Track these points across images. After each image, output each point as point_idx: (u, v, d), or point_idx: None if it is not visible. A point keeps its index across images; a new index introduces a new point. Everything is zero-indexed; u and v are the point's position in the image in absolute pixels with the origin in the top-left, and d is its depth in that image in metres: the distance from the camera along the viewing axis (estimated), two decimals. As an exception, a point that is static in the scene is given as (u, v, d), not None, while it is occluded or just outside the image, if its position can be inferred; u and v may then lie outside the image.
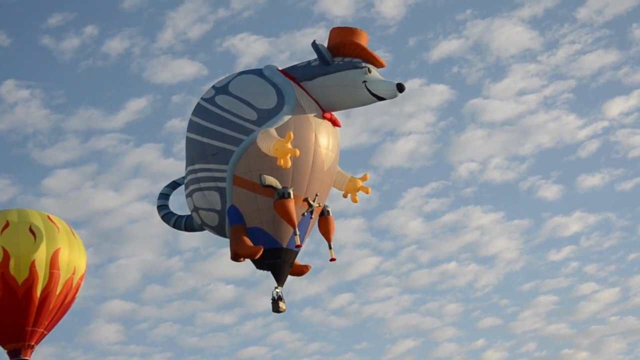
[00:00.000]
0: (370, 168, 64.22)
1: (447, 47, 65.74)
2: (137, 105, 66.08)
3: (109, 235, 63.34)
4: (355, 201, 28.69)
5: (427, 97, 64.80)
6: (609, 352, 60.19)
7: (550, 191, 63.79)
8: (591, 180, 64.13)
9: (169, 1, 69.72)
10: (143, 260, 62.91)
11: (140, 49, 67.49)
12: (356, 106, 27.94)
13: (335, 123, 28.07)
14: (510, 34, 64.86)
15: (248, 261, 27.36)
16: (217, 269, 63.18)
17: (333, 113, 28.00)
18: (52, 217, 35.92)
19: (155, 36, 68.43)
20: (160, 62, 66.36)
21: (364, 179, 28.73)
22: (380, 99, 27.29)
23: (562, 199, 64.22)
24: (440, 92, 64.73)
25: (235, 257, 27.10)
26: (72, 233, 36.12)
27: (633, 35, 65.64)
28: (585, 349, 60.63)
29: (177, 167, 62.96)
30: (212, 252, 63.36)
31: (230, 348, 61.91)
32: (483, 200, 64.56)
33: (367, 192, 28.65)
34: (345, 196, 28.78)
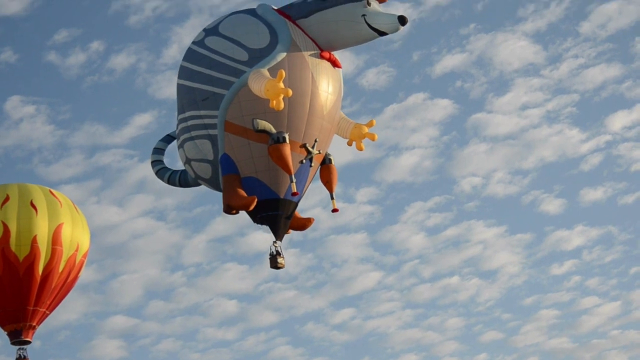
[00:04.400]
0: (373, 182, 64.02)
1: (450, 61, 65.48)
2: (142, 121, 65.63)
3: (112, 250, 62.77)
4: (360, 149, 26.41)
5: (430, 111, 64.54)
6: (611, 366, 59.40)
7: (552, 205, 63.39)
8: (593, 194, 63.65)
9: (174, 17, 68.95)
10: (146, 276, 62.44)
11: (146, 65, 67.28)
12: (356, 43, 25.75)
13: (335, 64, 25.88)
14: (513, 48, 64.65)
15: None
16: (220, 284, 62.67)
17: (333, 53, 25.83)
18: (54, 191, 34.28)
19: (161, 52, 68.31)
20: (165, 78, 65.84)
21: (369, 124, 26.48)
22: (382, 33, 25.11)
23: (564, 213, 63.87)
24: (443, 107, 64.41)
25: (228, 209, 25.04)
26: (75, 209, 34.39)
27: (636, 49, 65.13)
28: (587, 362, 59.97)
29: None
30: (215, 267, 62.92)
31: (233, 363, 61.23)
32: (485, 215, 64.38)
33: (373, 139, 26.39)
34: (350, 144, 26.53)
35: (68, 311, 58.70)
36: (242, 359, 60.84)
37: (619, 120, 63.39)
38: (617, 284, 61.82)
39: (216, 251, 63.04)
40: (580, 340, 60.88)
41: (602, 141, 63.28)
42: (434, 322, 60.97)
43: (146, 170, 63.36)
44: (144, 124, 65.36)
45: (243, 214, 25.56)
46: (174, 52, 65.88)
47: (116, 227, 62.13)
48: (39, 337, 58.56)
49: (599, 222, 64.10)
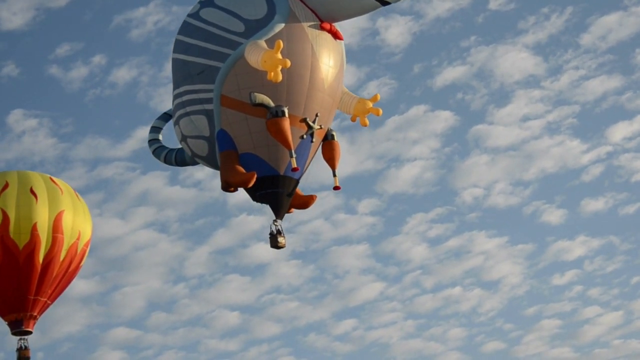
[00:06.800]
0: (375, 194, 64.11)
1: (451, 73, 65.74)
2: (143, 134, 65.06)
3: (114, 262, 62.76)
4: (364, 124, 25.32)
5: (431, 123, 64.91)
6: (614, 375, 59.27)
7: (554, 216, 63.60)
8: (595, 205, 63.79)
9: (176, 30, 68.85)
10: (148, 288, 62.47)
11: (148, 78, 67.47)
12: (358, 14, 24.66)
13: (336, 35, 24.82)
14: (514, 60, 65.04)
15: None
16: (222, 295, 62.60)
17: (334, 24, 24.76)
18: (54, 179, 33.44)
19: (163, 65, 68.25)
20: (167, 91, 65.27)
21: (374, 99, 25.37)
22: (385, 3, 24.00)
23: (565, 223, 64.00)
24: (444, 119, 64.71)
25: (226, 186, 24.00)
26: (77, 196, 33.54)
27: (636, 60, 65.46)
28: (590, 372, 59.75)
29: (183, 194, 62.84)
30: (217, 278, 62.90)
31: (235, 374, 61.12)
32: (487, 225, 64.74)
33: (377, 114, 25.29)
34: (353, 119, 25.45)
35: (70, 323, 59.53)
36: (245, 370, 60.67)
37: (619, 131, 63.82)
38: (619, 293, 62.11)
39: (218, 263, 63.32)
40: (582, 350, 61.06)
41: (603, 152, 63.70)
42: (436, 332, 61.18)
43: (148, 182, 63.98)
44: (146, 136, 65.03)
45: (242, 192, 24.57)
46: (176, 65, 66.03)
47: (118, 239, 62.30)
48: (42, 349, 58.61)
49: (600, 233, 64.62)
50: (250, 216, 61.85)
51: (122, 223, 62.81)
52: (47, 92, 69.09)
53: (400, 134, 64.53)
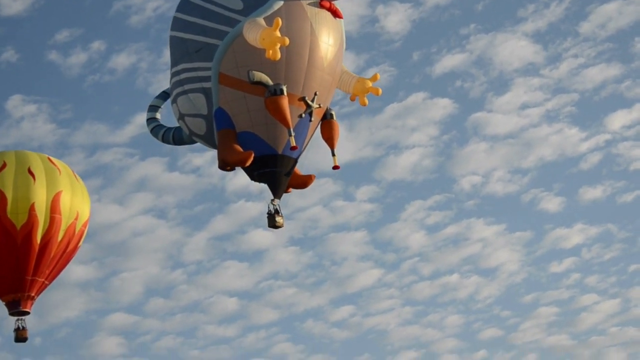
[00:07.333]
0: (373, 181, 64.01)
1: (450, 61, 65.55)
2: (142, 120, 64.74)
3: (112, 248, 62.51)
4: (363, 104, 25.11)
5: (430, 110, 64.72)
6: (610, 363, 59.66)
7: (552, 203, 63.48)
8: (593, 193, 63.79)
9: None
10: (146, 274, 62.24)
11: (147, 64, 67.05)
12: (358, -8, 24.43)
13: (335, 14, 24.62)
14: (513, 48, 64.82)
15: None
16: (220, 281, 62.50)
17: (333, 2, 24.54)
18: (53, 159, 33.19)
19: (162, 51, 67.74)
20: (166, 77, 64.79)
21: (373, 79, 25.17)
22: (385, -20, 23.76)
23: (563, 211, 63.89)
24: (443, 106, 64.51)
25: (223, 165, 23.87)
26: (75, 177, 33.26)
27: (635, 49, 65.23)
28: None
29: (181, 180, 62.78)
30: (215, 264, 62.76)
31: (233, 360, 61.51)
32: (485, 213, 64.29)
33: (377, 93, 25.08)
34: (352, 99, 25.26)
35: (68, 308, 59.10)
36: (242, 356, 60.61)
37: (618, 120, 63.76)
38: (616, 281, 62.08)
39: (216, 249, 62.97)
40: (579, 337, 60.89)
41: (602, 140, 63.62)
42: (434, 319, 61.10)
43: (147, 168, 63.85)
44: (145, 122, 65.20)
45: (241, 173, 24.40)
46: (175, 51, 66.13)
47: (117, 225, 62.04)
48: (40, 333, 58.59)
49: (598, 221, 64.52)
50: (249, 202, 61.84)
51: (121, 209, 62.63)
52: (46, 77, 69.09)
53: (399, 121, 64.49)
